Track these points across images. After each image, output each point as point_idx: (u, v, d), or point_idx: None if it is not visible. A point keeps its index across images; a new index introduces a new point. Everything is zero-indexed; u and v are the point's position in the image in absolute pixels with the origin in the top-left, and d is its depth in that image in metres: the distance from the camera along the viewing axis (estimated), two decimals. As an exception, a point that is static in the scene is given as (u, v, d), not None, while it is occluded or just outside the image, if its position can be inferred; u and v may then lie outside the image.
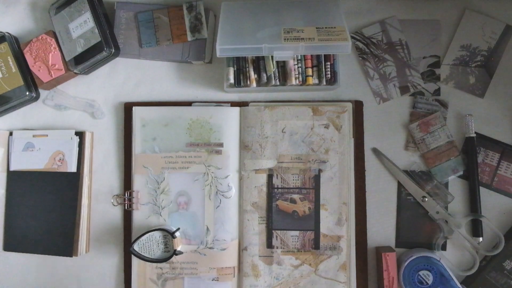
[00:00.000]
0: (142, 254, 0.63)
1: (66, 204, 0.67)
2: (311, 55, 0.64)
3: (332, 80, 0.64)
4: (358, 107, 0.67)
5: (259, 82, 0.65)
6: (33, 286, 0.68)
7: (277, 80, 0.64)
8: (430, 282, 0.63)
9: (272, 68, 0.63)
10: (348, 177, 0.65)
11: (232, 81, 0.65)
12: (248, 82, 0.64)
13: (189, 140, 0.66)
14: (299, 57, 0.64)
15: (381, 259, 0.63)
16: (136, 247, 0.63)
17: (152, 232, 0.63)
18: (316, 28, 0.56)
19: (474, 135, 0.65)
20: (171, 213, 0.65)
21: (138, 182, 0.66)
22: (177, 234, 0.63)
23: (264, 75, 0.64)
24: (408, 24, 0.68)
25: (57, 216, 0.67)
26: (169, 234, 0.63)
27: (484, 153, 0.67)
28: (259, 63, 0.64)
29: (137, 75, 0.70)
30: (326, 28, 0.56)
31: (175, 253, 0.62)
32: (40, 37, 0.68)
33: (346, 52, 0.54)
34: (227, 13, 0.63)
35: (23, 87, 0.68)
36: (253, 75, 0.64)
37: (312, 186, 0.65)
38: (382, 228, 0.67)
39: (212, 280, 0.64)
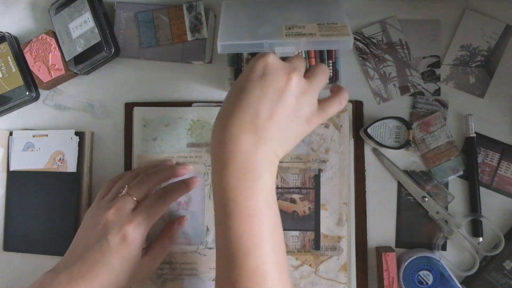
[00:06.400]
0: (374, 138, 0.61)
1: (66, 204, 0.64)
2: (314, 54, 0.61)
3: (334, 79, 0.62)
4: (358, 107, 0.65)
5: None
6: (32, 286, 0.66)
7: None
8: (430, 282, 0.60)
9: None
10: (348, 177, 0.63)
11: (233, 80, 0.62)
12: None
13: (190, 140, 0.63)
14: (303, 56, 0.61)
15: (381, 259, 0.60)
16: (369, 131, 0.61)
17: (387, 120, 0.62)
18: (318, 24, 0.54)
19: (474, 135, 0.63)
20: (172, 213, 0.63)
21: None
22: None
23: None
24: (408, 24, 0.66)
25: (57, 216, 0.64)
26: (403, 125, 0.61)
27: (484, 153, 0.64)
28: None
29: (137, 75, 0.67)
30: (327, 24, 0.54)
31: (409, 143, 0.61)
32: (40, 37, 0.65)
33: (348, 47, 0.51)
34: (228, 10, 0.60)
35: (23, 87, 0.65)
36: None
37: (312, 186, 0.63)
38: (382, 228, 0.64)
39: (212, 280, 0.61)
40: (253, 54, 0.61)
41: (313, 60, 0.61)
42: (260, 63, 0.46)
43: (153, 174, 0.57)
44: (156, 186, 0.58)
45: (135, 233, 0.51)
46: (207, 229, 0.62)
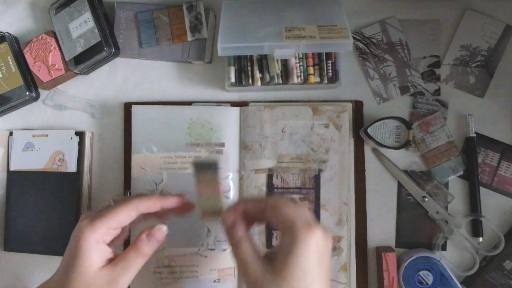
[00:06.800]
0: (374, 138, 0.61)
1: (66, 204, 0.64)
2: (313, 54, 0.61)
3: (334, 79, 0.62)
4: (358, 107, 0.65)
5: (262, 81, 0.62)
6: (32, 286, 0.66)
7: (280, 78, 0.61)
8: (430, 282, 0.60)
9: (277, 69, 0.60)
10: (348, 177, 0.63)
11: (233, 80, 0.62)
12: (250, 81, 0.62)
13: (189, 140, 0.63)
14: (301, 56, 0.61)
15: (381, 259, 0.60)
16: (369, 131, 0.61)
17: (387, 120, 0.61)
18: (318, 26, 0.54)
19: (474, 135, 0.63)
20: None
21: (135, 183, 0.62)
22: None
23: (267, 74, 0.62)
24: (408, 24, 0.66)
25: (57, 216, 0.64)
26: (403, 125, 0.61)
27: (484, 153, 0.64)
28: (262, 62, 0.62)
29: (137, 75, 0.67)
30: (327, 26, 0.53)
31: (409, 143, 0.61)
32: (40, 37, 0.65)
33: (347, 50, 0.51)
34: (228, 12, 0.60)
35: (23, 87, 0.65)
36: (258, 75, 0.62)
37: (312, 186, 0.63)
38: (382, 228, 0.64)
39: (214, 282, 0.61)
40: (261, 57, 0.61)
41: (310, 60, 0.61)
42: (320, 244, 0.43)
43: (143, 196, 0.50)
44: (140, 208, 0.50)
45: (83, 226, 0.46)
46: (208, 230, 0.62)
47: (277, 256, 0.43)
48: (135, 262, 0.48)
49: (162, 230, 0.50)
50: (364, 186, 0.64)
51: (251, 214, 0.48)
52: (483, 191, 0.63)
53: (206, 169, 0.47)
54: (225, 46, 0.55)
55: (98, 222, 0.46)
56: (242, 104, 0.65)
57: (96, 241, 0.46)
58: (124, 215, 0.48)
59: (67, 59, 0.64)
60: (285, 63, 0.61)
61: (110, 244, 0.49)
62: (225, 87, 0.63)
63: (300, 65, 0.61)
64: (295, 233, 0.42)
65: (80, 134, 0.65)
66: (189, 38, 0.64)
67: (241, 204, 0.48)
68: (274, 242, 0.62)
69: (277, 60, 0.60)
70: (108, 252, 0.48)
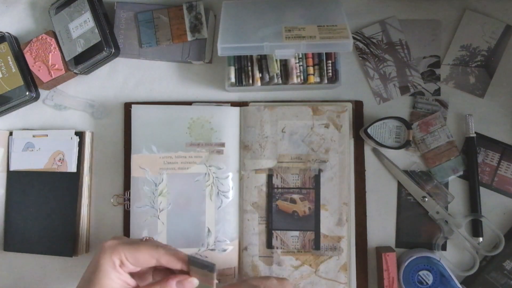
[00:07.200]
0: (374, 138, 0.61)
1: (66, 204, 0.64)
2: (312, 54, 0.61)
3: (334, 79, 0.62)
4: (358, 107, 0.65)
5: (261, 81, 0.62)
6: (32, 286, 0.66)
7: (279, 78, 0.61)
8: (430, 282, 0.60)
9: (276, 69, 0.60)
10: (348, 177, 0.63)
11: (233, 80, 0.62)
12: (251, 81, 0.62)
13: (189, 140, 0.63)
14: (301, 56, 0.61)
15: (381, 259, 0.60)
16: (369, 131, 0.61)
17: (387, 120, 0.61)
18: (318, 26, 0.54)
19: (474, 135, 0.63)
20: (170, 215, 0.62)
21: (135, 183, 0.63)
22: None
23: (267, 75, 0.62)
24: (408, 24, 0.66)
25: (57, 216, 0.64)
26: (403, 125, 0.61)
27: (484, 153, 0.64)
28: (261, 62, 0.62)
29: (137, 75, 0.67)
30: (327, 26, 0.53)
31: (409, 143, 0.61)
32: (40, 37, 0.65)
33: (347, 50, 0.51)
34: (228, 12, 0.60)
35: (23, 87, 0.65)
36: (257, 75, 0.62)
37: (312, 186, 0.63)
38: (382, 228, 0.64)
39: (214, 282, 0.61)
40: (261, 57, 0.61)
41: (310, 60, 0.61)
42: None
43: (171, 250, 0.50)
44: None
45: (107, 246, 0.48)
46: (208, 230, 0.62)
47: None
48: None
49: (193, 284, 0.50)
50: (364, 186, 0.64)
51: None
52: (483, 191, 0.63)
53: (203, 268, 0.48)
54: (225, 46, 0.55)
55: (119, 247, 0.48)
56: (242, 104, 0.65)
57: (113, 262, 0.48)
58: (143, 256, 0.48)
59: (67, 59, 0.64)
60: (285, 63, 0.61)
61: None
62: (225, 87, 0.63)
63: (300, 65, 0.61)
64: None
65: (80, 134, 0.65)
66: (189, 38, 0.64)
67: None
68: (274, 242, 0.62)
69: (276, 60, 0.60)
70: (127, 278, 0.49)
